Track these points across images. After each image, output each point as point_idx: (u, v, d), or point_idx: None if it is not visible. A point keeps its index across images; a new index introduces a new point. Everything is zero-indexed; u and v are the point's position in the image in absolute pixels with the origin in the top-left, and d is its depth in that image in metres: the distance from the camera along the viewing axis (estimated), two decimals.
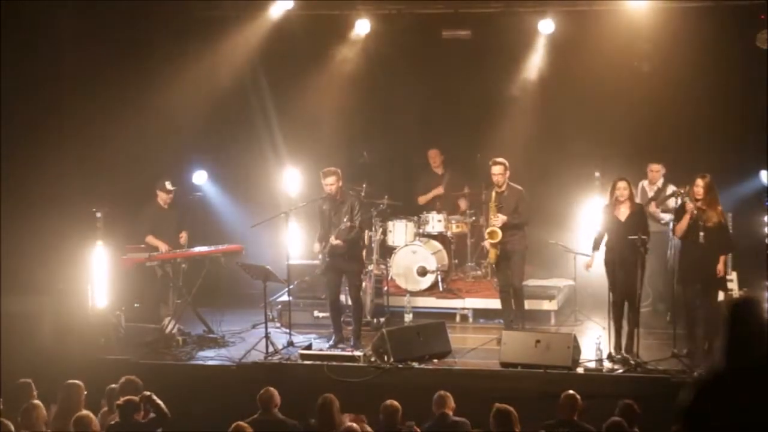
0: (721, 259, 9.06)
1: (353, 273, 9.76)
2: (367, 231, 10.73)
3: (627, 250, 9.02)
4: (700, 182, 9.08)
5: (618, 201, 9.20)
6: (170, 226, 10.45)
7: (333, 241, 9.48)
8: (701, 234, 9.00)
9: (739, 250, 10.17)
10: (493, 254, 9.95)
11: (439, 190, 12.22)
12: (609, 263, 9.29)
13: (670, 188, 10.56)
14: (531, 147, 11.73)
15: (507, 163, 9.88)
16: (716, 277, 9.07)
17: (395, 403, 7.18)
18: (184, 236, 10.45)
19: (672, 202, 9.73)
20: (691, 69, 11.36)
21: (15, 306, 9.60)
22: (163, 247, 10.24)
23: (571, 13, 11.55)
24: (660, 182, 10.88)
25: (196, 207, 10.93)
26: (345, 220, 9.52)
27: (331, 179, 9.58)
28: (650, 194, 10.82)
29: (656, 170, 10.90)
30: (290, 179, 12.39)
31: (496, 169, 9.80)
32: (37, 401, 7.09)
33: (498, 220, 9.81)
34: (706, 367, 6.37)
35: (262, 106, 12.71)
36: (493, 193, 9.99)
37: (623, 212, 9.19)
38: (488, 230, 9.92)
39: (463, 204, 12.01)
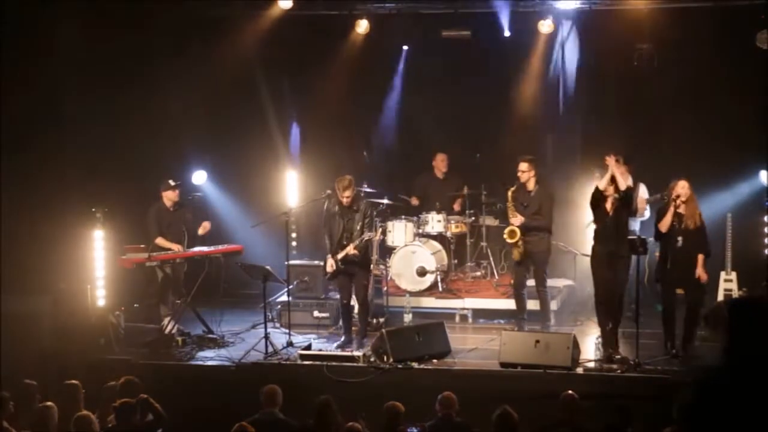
0: (700, 259, 8.98)
1: (362, 275, 9.75)
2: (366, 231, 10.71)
3: (616, 245, 9.01)
4: (685, 184, 9.03)
5: (606, 195, 9.17)
6: (178, 227, 10.43)
7: (351, 251, 9.47)
8: (679, 238, 8.98)
9: (738, 251, 10.20)
10: (516, 253, 9.97)
11: (414, 201, 12.18)
12: (598, 257, 9.26)
13: (642, 187, 10.48)
14: (530, 146, 11.71)
15: (534, 161, 9.86)
16: (697, 280, 9.04)
17: (398, 404, 7.16)
18: (206, 226, 10.38)
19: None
20: (690, 69, 11.37)
21: (15, 306, 9.60)
22: (175, 247, 10.25)
23: (570, 13, 11.55)
24: (629, 181, 10.72)
25: (196, 207, 10.92)
26: (358, 228, 9.50)
27: (348, 192, 9.44)
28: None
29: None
30: (290, 179, 12.40)
31: (521, 167, 9.83)
32: (50, 403, 7.08)
33: (516, 219, 9.83)
34: (706, 367, 6.37)
35: (261, 106, 12.72)
36: (509, 193, 9.98)
37: (610, 207, 9.17)
38: (507, 229, 9.93)
39: (457, 205, 11.98)
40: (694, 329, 9.08)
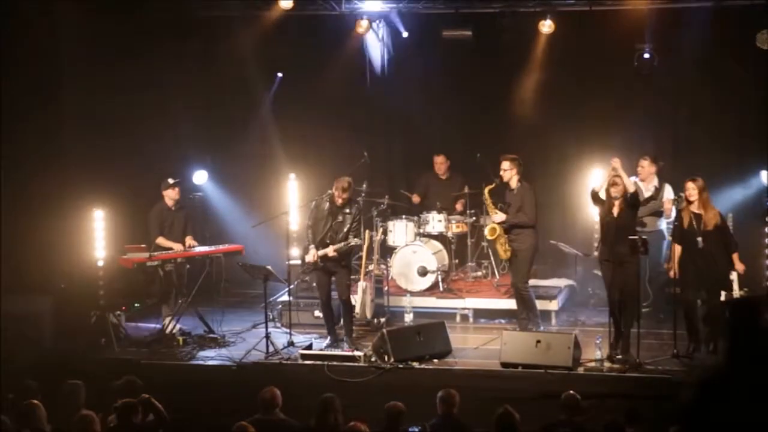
0: (735, 257, 9.02)
1: (342, 274, 9.71)
2: (368, 231, 10.72)
3: (621, 248, 8.99)
4: (690, 185, 9.03)
5: (612, 198, 9.17)
6: (179, 227, 10.42)
7: (330, 252, 9.46)
8: (699, 239, 8.98)
9: (738, 251, 10.19)
10: (501, 252, 10.06)
11: (416, 198, 12.20)
12: (603, 260, 9.27)
13: (667, 188, 10.52)
14: (531, 147, 11.72)
15: (515, 160, 9.86)
16: (720, 280, 9.01)
17: (399, 404, 7.14)
18: (188, 241, 10.41)
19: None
20: (690, 69, 11.38)
21: (15, 306, 9.60)
22: (176, 247, 10.24)
23: (571, 13, 11.56)
24: (655, 182, 10.76)
25: (196, 207, 10.92)
26: (345, 230, 9.48)
27: (346, 195, 9.46)
28: (646, 194, 10.66)
29: (644, 165, 10.65)
30: (290, 179, 12.39)
31: (503, 165, 9.87)
32: (36, 401, 7.06)
33: (497, 216, 9.89)
34: (707, 367, 6.36)
35: (261, 105, 12.71)
36: (486, 190, 10.19)
37: (616, 209, 9.16)
38: (487, 227, 10.14)
39: (459, 205, 11.99)
40: (718, 330, 9.03)
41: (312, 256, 9.53)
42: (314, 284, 10.42)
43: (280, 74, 12.69)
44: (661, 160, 10.79)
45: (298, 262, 11.01)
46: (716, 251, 9.01)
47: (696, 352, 9.01)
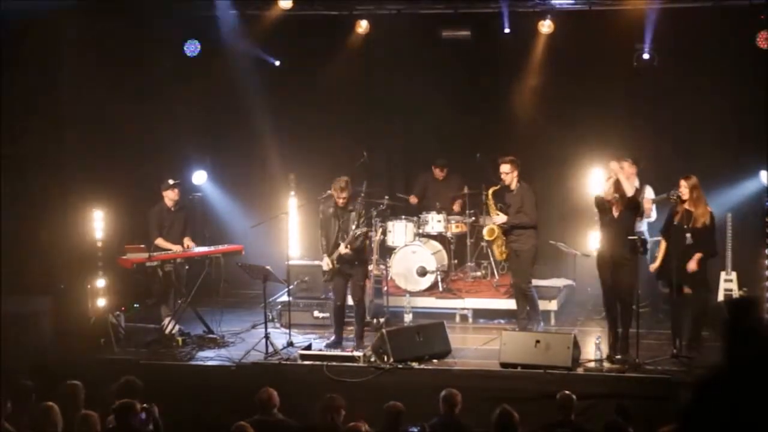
0: (697, 256, 8.96)
1: (358, 276, 9.74)
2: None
3: (619, 249, 8.99)
4: (683, 183, 9.06)
5: (611, 199, 9.14)
6: (178, 228, 10.42)
7: (343, 250, 9.47)
8: (688, 235, 8.99)
9: (738, 251, 10.20)
10: (498, 253, 10.10)
11: (413, 199, 12.23)
12: (601, 261, 9.27)
13: (648, 189, 10.48)
14: (530, 146, 11.72)
15: (514, 161, 9.86)
16: (703, 278, 9.04)
17: (398, 404, 7.14)
18: (186, 242, 10.41)
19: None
20: (690, 69, 11.38)
21: (15, 306, 9.60)
22: (175, 249, 10.24)
23: (570, 12, 11.56)
24: (636, 183, 10.69)
25: (196, 207, 10.92)
26: (353, 227, 9.50)
27: (345, 193, 9.48)
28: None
29: (624, 167, 10.58)
30: (290, 180, 12.40)
31: (503, 168, 9.84)
32: (51, 403, 7.04)
33: (498, 218, 9.91)
34: (706, 367, 6.35)
35: (261, 105, 12.71)
36: (490, 192, 10.19)
37: (616, 210, 9.15)
38: (485, 228, 10.23)
39: (457, 206, 12.00)
40: (699, 329, 9.08)
41: (326, 264, 9.59)
42: (312, 285, 10.49)
43: (277, 62, 12.69)
44: (642, 161, 10.70)
45: (298, 262, 11.04)
46: (699, 250, 9.03)
47: (674, 349, 9.00)
